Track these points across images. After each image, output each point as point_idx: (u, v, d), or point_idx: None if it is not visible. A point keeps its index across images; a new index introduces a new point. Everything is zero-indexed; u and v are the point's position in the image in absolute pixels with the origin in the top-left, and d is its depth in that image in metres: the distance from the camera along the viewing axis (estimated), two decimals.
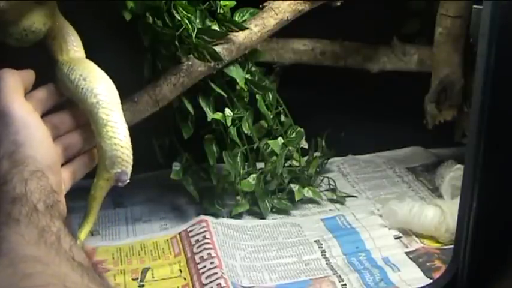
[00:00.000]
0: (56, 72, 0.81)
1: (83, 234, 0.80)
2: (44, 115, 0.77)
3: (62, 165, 0.77)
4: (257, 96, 1.12)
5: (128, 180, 0.79)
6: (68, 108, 0.80)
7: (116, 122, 0.78)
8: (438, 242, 1.05)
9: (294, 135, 1.16)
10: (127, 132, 0.79)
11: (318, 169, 1.24)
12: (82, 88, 0.78)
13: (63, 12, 0.85)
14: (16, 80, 0.74)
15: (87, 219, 0.81)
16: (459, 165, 1.14)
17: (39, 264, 0.57)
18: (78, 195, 1.14)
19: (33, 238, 0.60)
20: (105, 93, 0.79)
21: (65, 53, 0.83)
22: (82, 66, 0.81)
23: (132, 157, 0.79)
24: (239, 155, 1.10)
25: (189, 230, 1.08)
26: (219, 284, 0.93)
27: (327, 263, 1.01)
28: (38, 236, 0.61)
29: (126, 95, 0.99)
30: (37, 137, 0.71)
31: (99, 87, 0.79)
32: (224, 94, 1.07)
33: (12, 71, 0.75)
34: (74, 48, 0.83)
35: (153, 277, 0.99)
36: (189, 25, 0.98)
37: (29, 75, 0.77)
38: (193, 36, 0.98)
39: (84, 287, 0.57)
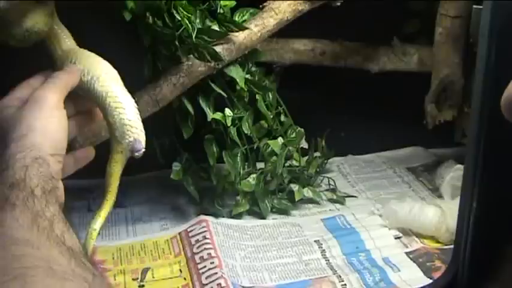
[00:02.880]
0: (53, 68, 0.82)
1: (104, 212, 0.80)
2: None
3: None
4: (257, 96, 1.12)
5: (143, 149, 0.78)
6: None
7: (116, 92, 0.78)
8: (438, 242, 1.05)
9: (294, 135, 1.16)
10: (132, 101, 0.79)
11: (318, 169, 1.24)
12: None
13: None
14: (67, 83, 0.77)
15: (107, 197, 0.80)
16: (459, 165, 1.14)
17: (29, 247, 0.59)
18: (78, 195, 1.14)
19: (26, 222, 0.62)
20: (98, 69, 0.79)
21: (58, 48, 0.83)
22: (72, 53, 0.82)
23: (142, 125, 0.79)
24: (239, 155, 1.10)
25: (189, 230, 1.08)
26: (219, 284, 0.93)
27: (327, 263, 1.01)
28: (32, 221, 0.62)
29: None
30: (53, 125, 0.73)
31: (90, 65, 0.79)
32: (224, 94, 1.07)
33: (67, 75, 0.78)
34: (65, 42, 0.84)
35: (153, 277, 0.98)
36: (189, 25, 0.98)
37: (77, 76, 0.79)
38: (193, 36, 0.98)
39: (70, 270, 0.59)
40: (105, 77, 0.79)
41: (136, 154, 0.78)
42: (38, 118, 0.72)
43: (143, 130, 0.79)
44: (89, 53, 0.82)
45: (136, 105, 0.80)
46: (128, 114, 0.78)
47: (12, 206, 0.63)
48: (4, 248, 0.59)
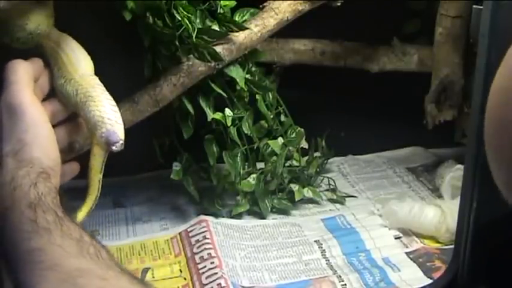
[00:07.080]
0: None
1: (86, 207, 0.79)
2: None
3: None
4: (257, 96, 1.12)
5: (121, 141, 0.75)
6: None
7: (87, 88, 0.77)
8: (438, 242, 1.05)
9: (294, 135, 1.16)
10: (106, 94, 0.78)
11: (318, 169, 1.24)
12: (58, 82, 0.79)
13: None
14: (27, 73, 0.74)
15: (89, 192, 0.79)
16: (459, 165, 1.14)
17: (97, 278, 0.56)
18: (78, 195, 1.14)
19: (73, 250, 0.59)
20: (72, 73, 0.78)
21: (72, 72, 0.82)
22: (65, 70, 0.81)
23: (119, 117, 0.77)
24: (239, 155, 1.10)
25: (189, 230, 1.08)
26: (219, 284, 0.93)
27: (327, 263, 1.01)
28: (77, 247, 0.59)
29: (126, 95, 0.99)
30: (44, 137, 0.71)
31: (66, 71, 0.79)
32: (224, 94, 1.07)
33: (23, 63, 0.75)
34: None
35: (153, 277, 0.99)
36: (189, 25, 0.98)
37: (38, 66, 0.78)
38: (194, 36, 0.98)
39: None
40: (78, 79, 0.78)
41: (114, 148, 0.75)
42: (26, 131, 0.70)
43: (120, 123, 0.76)
44: (69, 62, 0.81)
45: (111, 98, 0.77)
46: (100, 106, 0.76)
47: (47, 230, 0.60)
48: (69, 280, 0.55)
